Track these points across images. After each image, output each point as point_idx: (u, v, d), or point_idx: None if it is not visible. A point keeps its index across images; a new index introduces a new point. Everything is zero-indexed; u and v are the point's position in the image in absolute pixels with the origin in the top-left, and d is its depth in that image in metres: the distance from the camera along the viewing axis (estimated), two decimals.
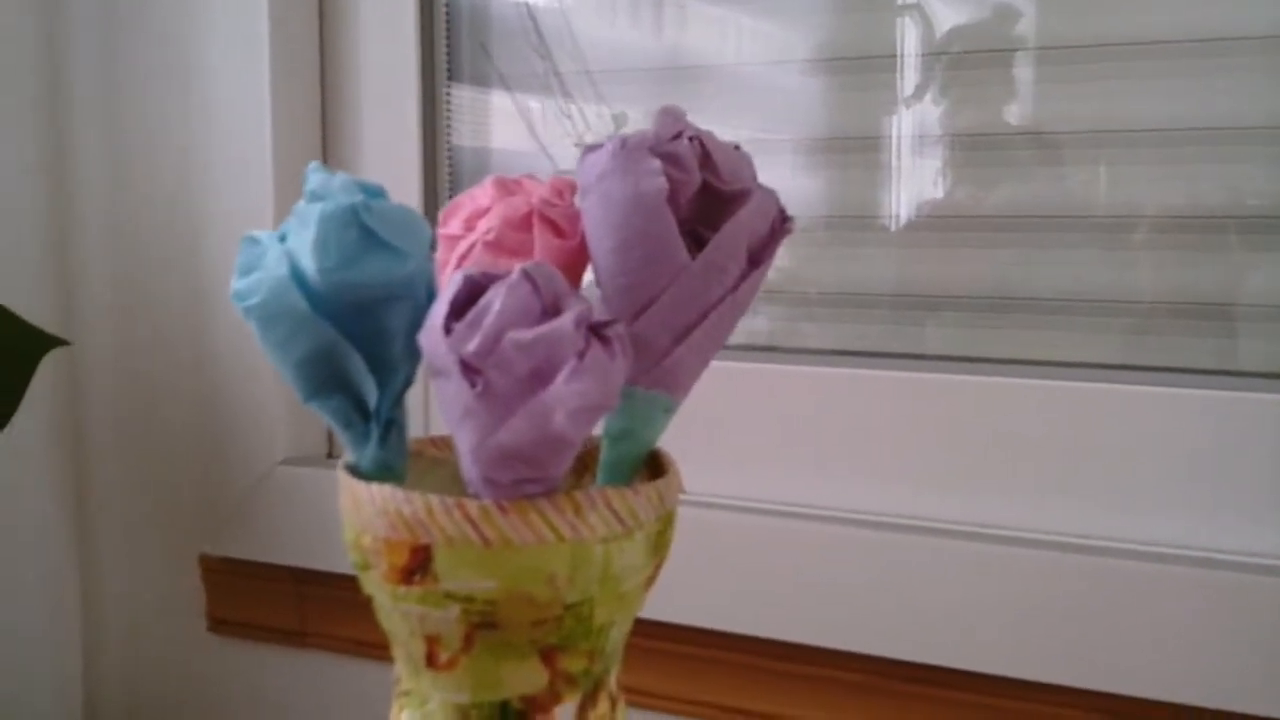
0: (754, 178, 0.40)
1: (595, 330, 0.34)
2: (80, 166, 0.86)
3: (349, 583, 0.80)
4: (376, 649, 0.78)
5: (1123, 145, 0.65)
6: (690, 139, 0.39)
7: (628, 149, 0.39)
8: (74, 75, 0.85)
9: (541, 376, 0.33)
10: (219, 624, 0.85)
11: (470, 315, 0.34)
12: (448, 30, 0.83)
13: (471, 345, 0.33)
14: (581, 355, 0.33)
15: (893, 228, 0.72)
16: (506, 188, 0.44)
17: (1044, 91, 0.67)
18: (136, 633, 0.89)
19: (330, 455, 0.84)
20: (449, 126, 0.83)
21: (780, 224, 0.41)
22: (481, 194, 0.45)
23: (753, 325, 0.75)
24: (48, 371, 0.85)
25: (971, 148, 0.69)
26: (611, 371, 0.34)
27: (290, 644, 0.83)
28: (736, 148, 0.41)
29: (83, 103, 0.85)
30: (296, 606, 0.82)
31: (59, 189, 0.86)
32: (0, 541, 0.84)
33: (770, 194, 0.40)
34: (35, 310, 0.84)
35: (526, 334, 0.33)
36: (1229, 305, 0.64)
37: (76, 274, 0.86)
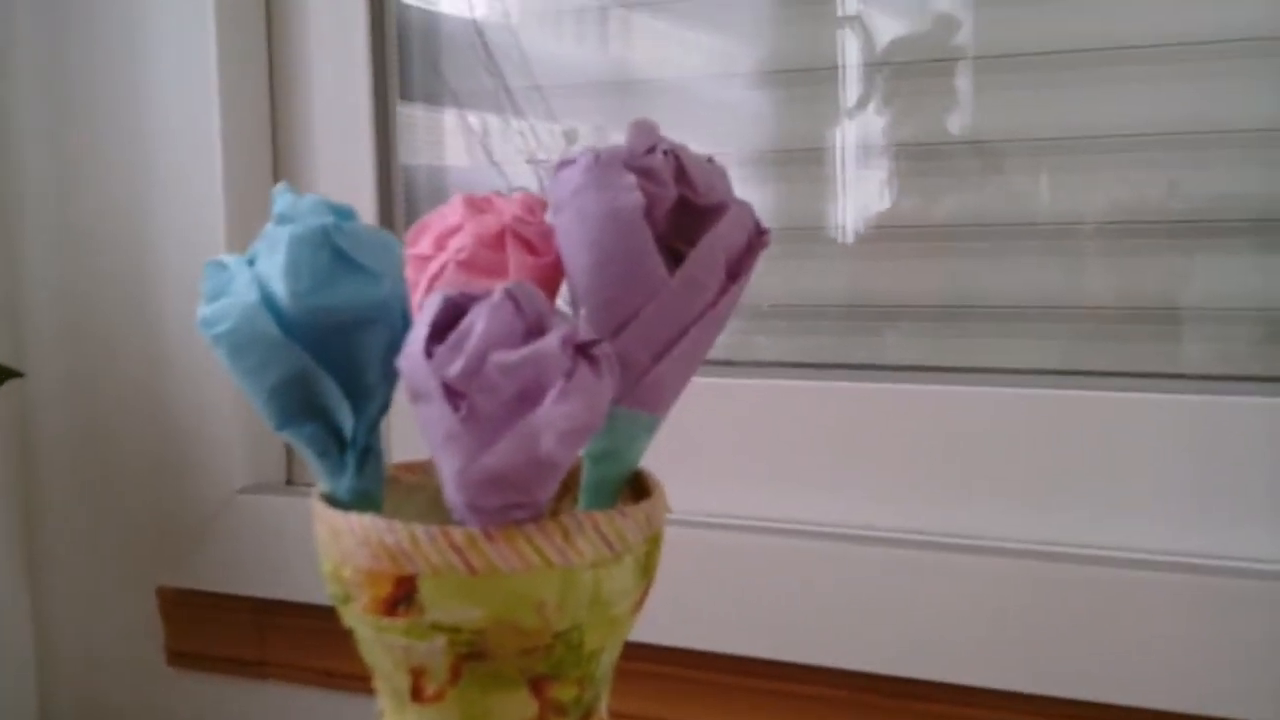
0: (729, 191, 0.40)
1: (581, 350, 0.33)
2: (28, 192, 0.84)
3: (311, 612, 0.79)
4: (341, 679, 0.77)
5: (1066, 152, 0.66)
6: (665, 153, 0.38)
7: (602, 164, 0.38)
8: (19, 99, 0.83)
9: (528, 398, 0.33)
10: (178, 657, 0.83)
11: (452, 338, 0.33)
12: (399, 48, 0.82)
13: (454, 368, 0.33)
14: (569, 376, 0.32)
15: (841, 239, 0.72)
16: (476, 206, 0.43)
17: (986, 100, 0.68)
18: (93, 667, 0.86)
19: (289, 482, 0.82)
20: (401, 145, 0.82)
21: (757, 237, 0.40)
22: (451, 212, 0.44)
23: None
24: None
25: (917, 157, 0.70)
26: (599, 392, 0.33)
27: (252, 676, 0.81)
28: (710, 160, 0.40)
29: (29, 127, 0.83)
30: (258, 637, 0.81)
31: (5, 214, 0.84)
32: None
33: (746, 207, 0.40)
34: None
35: (512, 355, 0.32)
36: (1179, 309, 0.64)
37: (25, 302, 0.84)
